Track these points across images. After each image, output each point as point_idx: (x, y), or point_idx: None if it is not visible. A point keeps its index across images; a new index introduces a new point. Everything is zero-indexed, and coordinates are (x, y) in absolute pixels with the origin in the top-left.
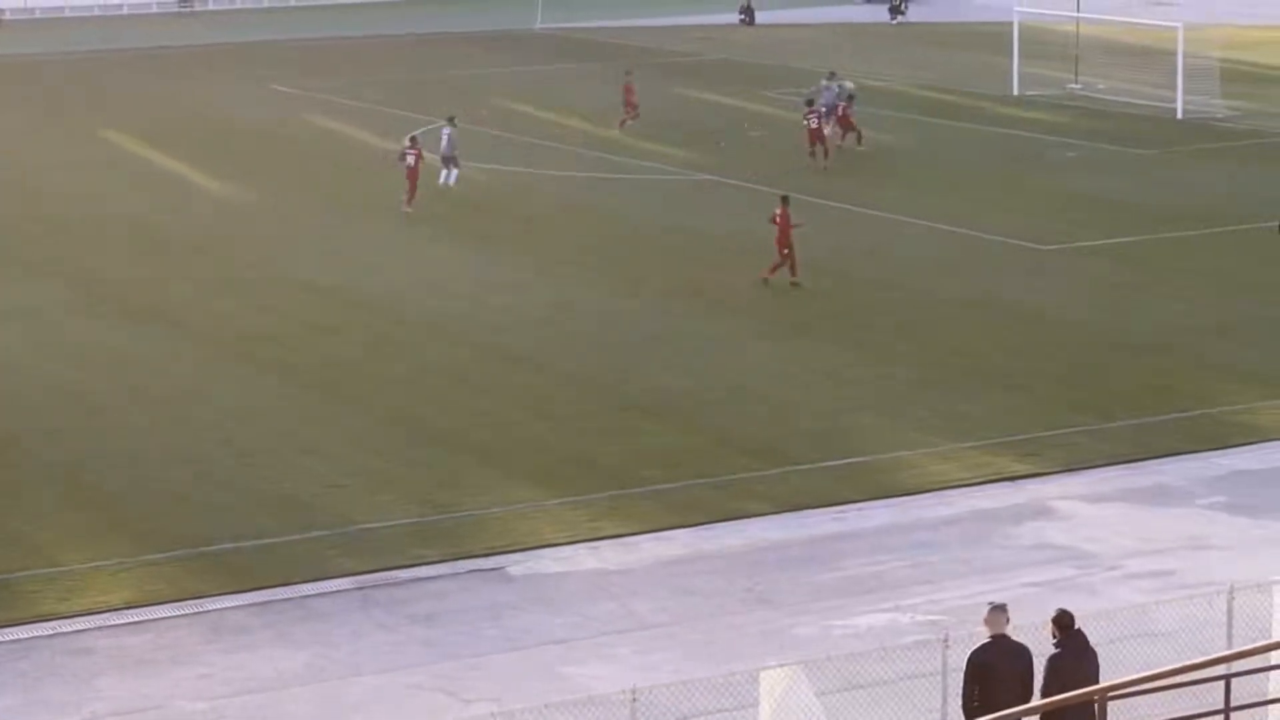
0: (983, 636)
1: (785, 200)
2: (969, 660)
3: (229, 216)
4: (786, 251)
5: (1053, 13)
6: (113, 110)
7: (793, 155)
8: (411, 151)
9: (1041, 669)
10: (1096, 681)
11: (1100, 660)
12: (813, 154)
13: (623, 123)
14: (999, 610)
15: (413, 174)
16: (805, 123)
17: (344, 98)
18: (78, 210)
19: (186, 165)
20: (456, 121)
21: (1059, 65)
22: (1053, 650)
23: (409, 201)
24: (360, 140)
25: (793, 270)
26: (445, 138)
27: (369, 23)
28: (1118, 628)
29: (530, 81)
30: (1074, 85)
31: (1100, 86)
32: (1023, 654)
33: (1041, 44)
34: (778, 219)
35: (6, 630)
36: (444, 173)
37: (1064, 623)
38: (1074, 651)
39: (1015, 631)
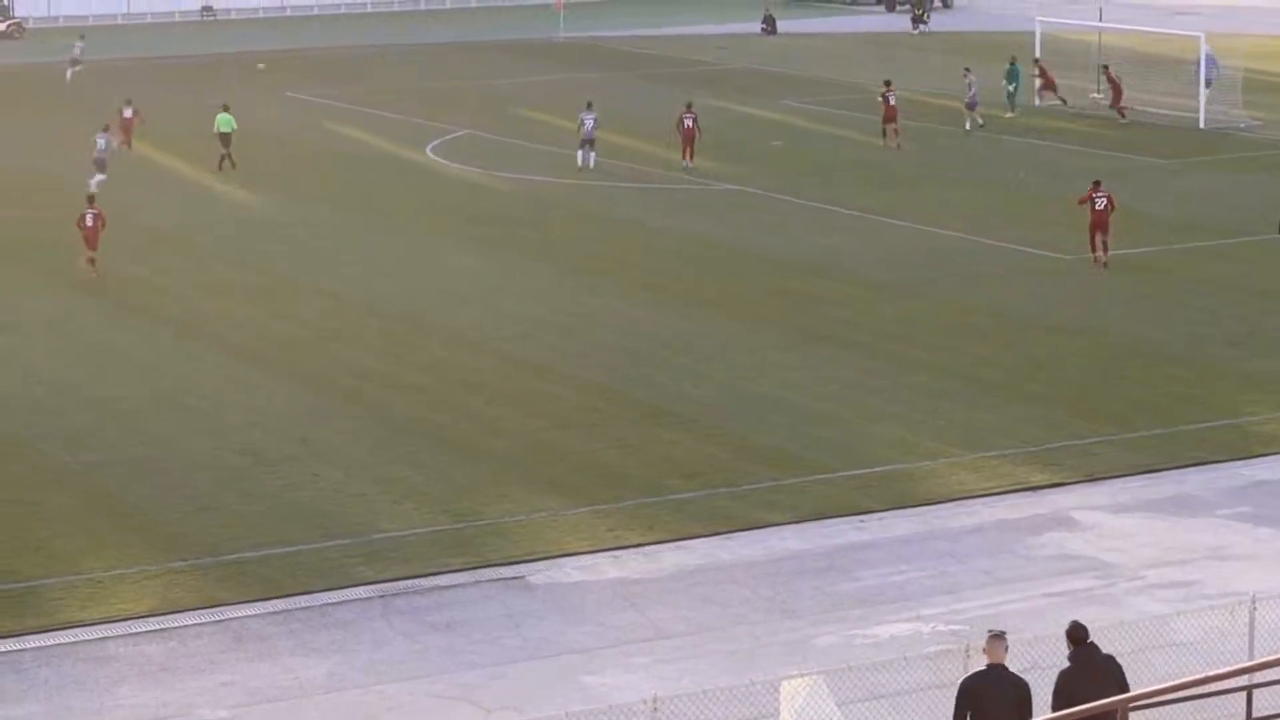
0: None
1: (1096, 185)
2: (959, 687)
3: (249, 224)
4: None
5: (1075, 22)
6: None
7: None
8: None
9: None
10: (1118, 693)
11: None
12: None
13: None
14: (998, 639)
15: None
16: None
17: (364, 106)
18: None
19: (207, 173)
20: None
21: (1081, 75)
22: (1065, 665)
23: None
24: (379, 148)
25: (1105, 248)
26: (589, 121)
27: (390, 31)
28: (1139, 639)
29: (552, 90)
30: (1096, 95)
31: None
32: (1017, 685)
33: (1063, 54)
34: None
35: (28, 637)
36: (581, 154)
37: (1075, 636)
38: (1084, 668)
39: (1037, 642)
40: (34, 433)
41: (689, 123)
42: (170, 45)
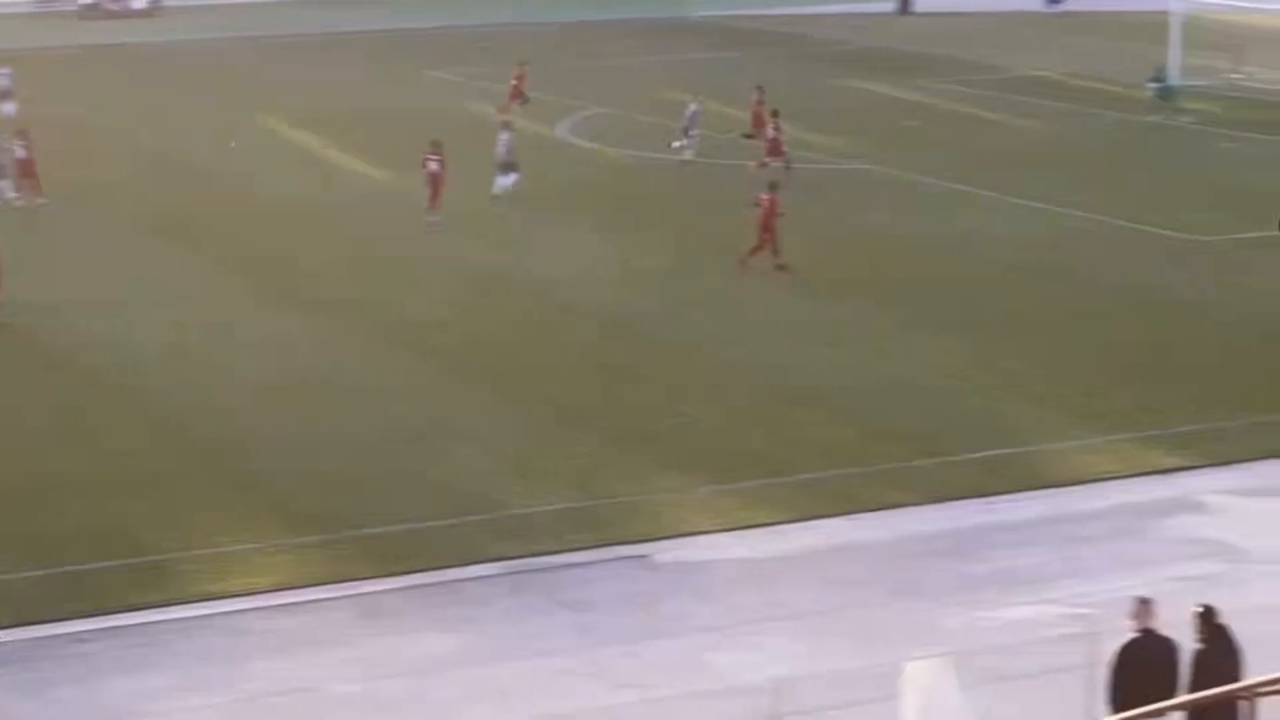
0: (1129, 631)
1: (774, 187)
2: (1118, 653)
3: (380, 201)
4: (767, 235)
5: (1217, 1)
6: (274, 96)
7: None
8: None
9: (1187, 665)
10: (1239, 679)
11: (1251, 658)
12: None
13: None
14: (1146, 603)
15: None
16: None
17: (499, 84)
18: (244, 198)
19: (347, 153)
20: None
21: (1222, 55)
22: (1198, 646)
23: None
24: (517, 126)
25: (775, 252)
26: (691, 112)
27: (524, 10)
28: (1270, 625)
29: (685, 70)
30: (1236, 75)
31: (1264, 76)
32: (1174, 648)
33: (1203, 32)
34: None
35: (163, 610)
36: (678, 142)
37: (1210, 619)
38: (1218, 648)
39: (1162, 627)
40: (180, 408)
41: (755, 100)
42: (310, 24)
